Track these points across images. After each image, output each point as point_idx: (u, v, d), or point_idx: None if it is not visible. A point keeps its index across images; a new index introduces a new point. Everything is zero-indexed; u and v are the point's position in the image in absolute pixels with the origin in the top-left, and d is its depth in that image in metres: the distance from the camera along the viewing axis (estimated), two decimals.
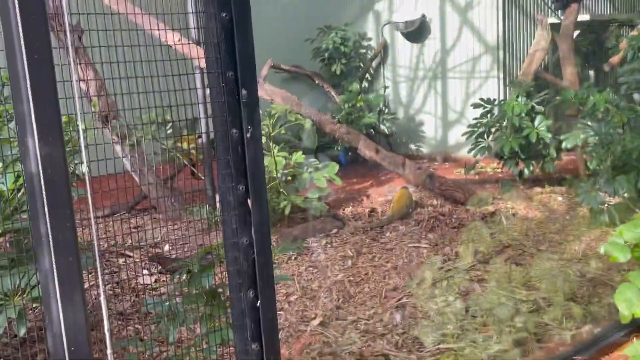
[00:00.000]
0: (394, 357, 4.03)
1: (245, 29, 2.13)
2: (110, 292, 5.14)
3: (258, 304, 2.19)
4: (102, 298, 1.73)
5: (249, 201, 2.16)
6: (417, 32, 10.97)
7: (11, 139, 2.57)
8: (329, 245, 6.48)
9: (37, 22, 1.58)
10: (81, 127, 1.91)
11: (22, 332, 2.26)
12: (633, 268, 3.87)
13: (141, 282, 5.28)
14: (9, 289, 2.43)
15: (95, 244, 1.77)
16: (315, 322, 4.64)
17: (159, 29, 4.35)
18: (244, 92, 2.13)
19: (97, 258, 1.79)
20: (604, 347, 3.79)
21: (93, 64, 5.23)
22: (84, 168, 1.79)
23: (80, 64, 4.35)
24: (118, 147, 6.36)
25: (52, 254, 1.60)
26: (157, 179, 7.08)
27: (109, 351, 1.74)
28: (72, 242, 1.64)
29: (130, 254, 5.71)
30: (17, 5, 1.54)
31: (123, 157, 6.40)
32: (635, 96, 8.17)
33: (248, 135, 2.13)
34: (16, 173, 2.47)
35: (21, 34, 1.55)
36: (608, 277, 5.03)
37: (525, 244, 6.09)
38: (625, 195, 6.45)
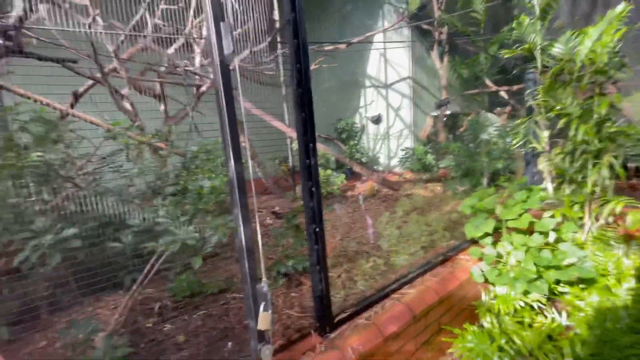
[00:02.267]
0: (370, 251, 4.01)
1: (312, 121, 2.18)
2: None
3: (317, 230, 2.24)
4: (257, 226, 1.79)
5: (312, 189, 2.20)
6: (377, 120, 10.90)
7: (220, 164, 2.61)
8: (342, 207, 6.45)
9: (232, 113, 1.66)
10: (249, 161, 1.97)
11: (224, 239, 2.32)
12: (471, 216, 3.80)
13: (267, 222, 5.34)
14: (217, 225, 2.47)
15: (255, 206, 1.83)
16: (337, 238, 4.61)
17: (269, 119, 4.39)
18: (311, 145, 2.18)
19: (255, 211, 1.85)
20: (461, 249, 3.74)
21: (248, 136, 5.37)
22: (250, 175, 1.85)
23: (244, 134, 4.48)
24: (257, 168, 6.45)
25: (239, 208, 1.68)
26: (272, 181, 7.15)
27: (260, 247, 1.80)
28: (246, 204, 1.71)
29: (262, 211, 5.78)
30: (224, 100, 1.62)
31: (258, 172, 6.48)
32: (470, 145, 7.98)
33: (312, 162, 2.18)
34: (219, 178, 2.54)
35: (226, 117, 1.62)
36: (461, 221, 4.91)
37: (425, 207, 5.97)
38: (468, 186, 6.32)
